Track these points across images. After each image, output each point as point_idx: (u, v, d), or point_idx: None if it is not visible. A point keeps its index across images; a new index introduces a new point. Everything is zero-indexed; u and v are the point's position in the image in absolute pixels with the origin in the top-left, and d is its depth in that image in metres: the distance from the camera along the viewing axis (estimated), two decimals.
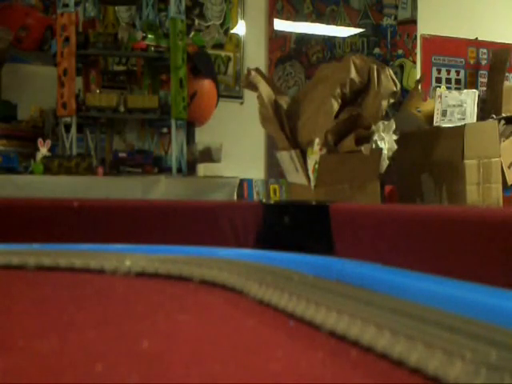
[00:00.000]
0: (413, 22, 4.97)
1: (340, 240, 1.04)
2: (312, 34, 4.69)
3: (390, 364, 0.41)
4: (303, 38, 4.66)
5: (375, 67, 2.62)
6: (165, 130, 3.81)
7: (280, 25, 4.60)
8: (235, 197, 3.87)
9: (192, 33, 4.05)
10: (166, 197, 3.02)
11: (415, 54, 4.99)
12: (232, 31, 4.47)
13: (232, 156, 4.08)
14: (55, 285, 0.72)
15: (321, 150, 2.57)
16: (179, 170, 3.36)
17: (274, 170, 4.19)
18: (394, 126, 2.72)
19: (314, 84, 2.86)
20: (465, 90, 3.45)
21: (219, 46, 4.43)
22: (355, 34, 4.82)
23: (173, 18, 3.32)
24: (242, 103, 4.43)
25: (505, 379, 0.34)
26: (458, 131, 2.69)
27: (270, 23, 4.57)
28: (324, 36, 4.72)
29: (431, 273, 0.67)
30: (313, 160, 2.61)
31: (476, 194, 2.63)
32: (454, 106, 3.22)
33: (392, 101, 2.68)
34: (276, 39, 4.59)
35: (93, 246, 0.89)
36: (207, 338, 0.49)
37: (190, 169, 3.53)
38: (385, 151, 2.64)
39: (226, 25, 4.45)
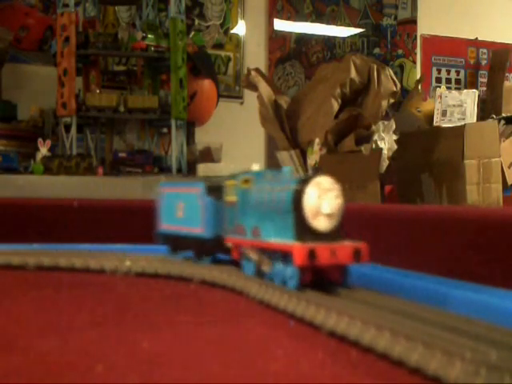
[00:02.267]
0: (413, 21, 4.97)
1: None
2: (312, 34, 4.69)
3: (390, 364, 0.41)
4: (303, 38, 4.66)
5: (375, 67, 2.62)
6: (165, 129, 3.80)
7: (280, 25, 4.60)
8: None
9: (192, 33, 4.05)
10: None
11: (415, 53, 4.99)
12: (232, 31, 4.46)
13: (232, 156, 4.08)
14: (55, 285, 0.72)
15: (321, 149, 2.57)
16: (179, 170, 3.36)
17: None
18: (394, 126, 2.71)
19: (313, 84, 2.86)
20: (465, 90, 3.44)
21: (219, 45, 4.43)
22: (355, 34, 4.81)
23: (173, 18, 3.32)
24: (242, 103, 4.43)
25: (505, 379, 0.34)
26: (458, 131, 2.68)
27: (270, 23, 4.57)
28: (324, 36, 4.72)
29: (431, 273, 0.67)
30: (313, 160, 2.61)
31: (476, 193, 2.62)
32: (454, 105, 3.22)
33: (392, 101, 2.68)
34: (276, 39, 4.59)
35: (93, 245, 0.89)
36: (207, 338, 0.49)
37: (190, 169, 3.52)
38: (385, 151, 2.63)
39: (226, 25, 4.45)
